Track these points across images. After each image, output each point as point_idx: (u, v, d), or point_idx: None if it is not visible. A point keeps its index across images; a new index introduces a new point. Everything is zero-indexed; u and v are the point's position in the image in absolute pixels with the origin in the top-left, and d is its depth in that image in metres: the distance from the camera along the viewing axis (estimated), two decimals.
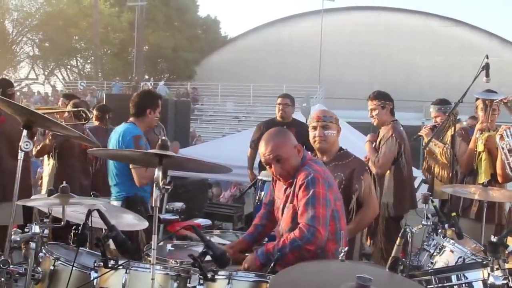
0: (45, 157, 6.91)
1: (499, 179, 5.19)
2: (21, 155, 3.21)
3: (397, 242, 2.95)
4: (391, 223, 5.81)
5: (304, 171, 3.50)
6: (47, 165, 6.76)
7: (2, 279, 3.07)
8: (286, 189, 3.66)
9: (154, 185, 2.65)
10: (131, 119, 5.44)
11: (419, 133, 6.59)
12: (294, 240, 3.30)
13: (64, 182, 5.94)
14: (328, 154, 4.49)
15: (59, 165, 6.57)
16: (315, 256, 3.33)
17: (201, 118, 32.50)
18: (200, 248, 3.02)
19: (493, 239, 2.83)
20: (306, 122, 8.74)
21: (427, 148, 6.42)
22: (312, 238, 3.27)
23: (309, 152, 3.95)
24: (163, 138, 2.95)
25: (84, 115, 6.60)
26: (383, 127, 6.01)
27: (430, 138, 6.05)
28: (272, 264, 3.07)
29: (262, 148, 3.62)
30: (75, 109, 6.63)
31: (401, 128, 6.00)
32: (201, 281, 2.80)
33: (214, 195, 13.08)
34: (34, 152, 6.58)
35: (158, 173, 2.66)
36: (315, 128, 4.46)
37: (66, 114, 6.69)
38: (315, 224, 3.30)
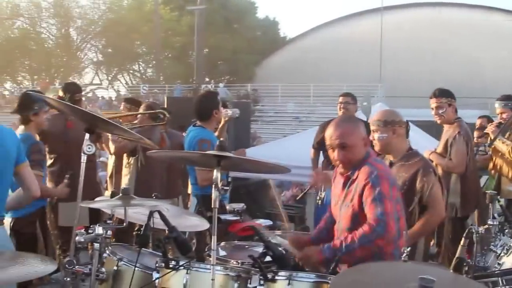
0: (115, 158, 6.95)
1: None
2: (84, 158, 3.30)
3: (462, 242, 2.87)
4: (457, 224, 5.67)
5: (367, 169, 3.44)
6: (126, 166, 6.77)
7: (69, 279, 3.15)
8: (344, 184, 3.62)
9: (213, 186, 2.66)
10: (198, 122, 5.65)
11: (485, 131, 6.42)
12: (364, 236, 3.24)
13: (148, 179, 6.11)
14: (394, 154, 4.42)
15: (144, 163, 6.59)
16: (372, 257, 3.28)
17: (262, 119, 32.62)
18: (261, 249, 3.02)
19: None
20: (367, 121, 8.65)
21: (493, 146, 6.24)
22: (383, 232, 3.22)
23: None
24: (221, 139, 2.96)
25: (162, 116, 6.70)
26: (447, 126, 5.87)
27: (496, 135, 5.87)
28: (333, 264, 3.03)
29: (330, 131, 3.58)
30: (153, 111, 6.73)
31: (466, 126, 5.85)
32: (262, 282, 2.80)
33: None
34: (113, 150, 6.60)
35: (216, 174, 2.67)
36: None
37: (140, 116, 6.78)
38: (385, 219, 3.24)
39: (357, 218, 3.40)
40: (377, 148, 4.41)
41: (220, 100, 5.90)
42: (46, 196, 5.16)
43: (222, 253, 3.81)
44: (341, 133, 3.53)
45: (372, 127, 4.43)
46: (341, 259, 3.08)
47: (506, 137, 6.24)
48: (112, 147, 6.51)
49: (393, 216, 3.29)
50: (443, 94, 5.88)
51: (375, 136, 4.39)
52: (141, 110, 6.86)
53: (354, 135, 3.54)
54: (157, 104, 7.44)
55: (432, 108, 5.92)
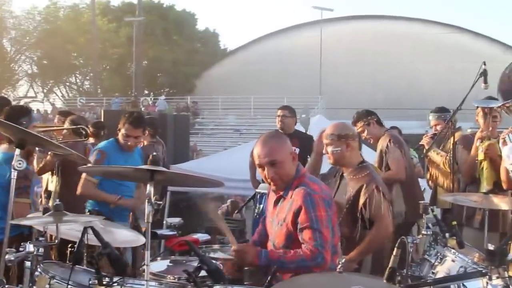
0: (48, 174, 6.83)
1: (504, 185, 5.06)
2: (14, 174, 3.21)
3: (394, 252, 2.90)
4: (403, 231, 5.71)
5: (302, 191, 3.43)
6: (51, 182, 6.67)
7: None
8: (276, 202, 3.62)
9: (146, 201, 2.63)
10: None
11: (420, 143, 6.58)
12: (303, 260, 3.29)
13: (69, 198, 6.01)
14: (347, 167, 4.47)
15: (62, 181, 6.48)
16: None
17: (202, 132, 32.57)
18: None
19: (491, 247, 2.79)
20: (306, 132, 8.78)
21: (428, 157, 6.39)
22: (322, 263, 3.28)
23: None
24: (154, 154, 2.93)
25: (84, 132, 6.58)
26: (379, 141, 6.01)
27: (430, 147, 6.02)
28: (269, 277, 3.03)
29: (258, 150, 3.54)
30: (74, 126, 6.60)
31: (397, 135, 5.99)
32: None
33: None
34: (36, 170, 6.50)
35: (150, 188, 2.64)
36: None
37: (65, 131, 6.66)
38: (324, 250, 3.29)
39: (292, 237, 3.44)
40: (331, 161, 4.46)
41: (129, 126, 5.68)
42: None
43: (160, 268, 3.77)
44: (269, 150, 3.50)
45: (325, 141, 4.46)
46: (275, 270, 3.09)
47: (440, 148, 6.40)
48: (36, 167, 6.41)
49: (329, 245, 3.35)
50: (358, 119, 6.18)
51: (328, 149, 4.42)
52: (66, 125, 6.75)
53: (282, 151, 3.53)
54: (83, 119, 7.32)
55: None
